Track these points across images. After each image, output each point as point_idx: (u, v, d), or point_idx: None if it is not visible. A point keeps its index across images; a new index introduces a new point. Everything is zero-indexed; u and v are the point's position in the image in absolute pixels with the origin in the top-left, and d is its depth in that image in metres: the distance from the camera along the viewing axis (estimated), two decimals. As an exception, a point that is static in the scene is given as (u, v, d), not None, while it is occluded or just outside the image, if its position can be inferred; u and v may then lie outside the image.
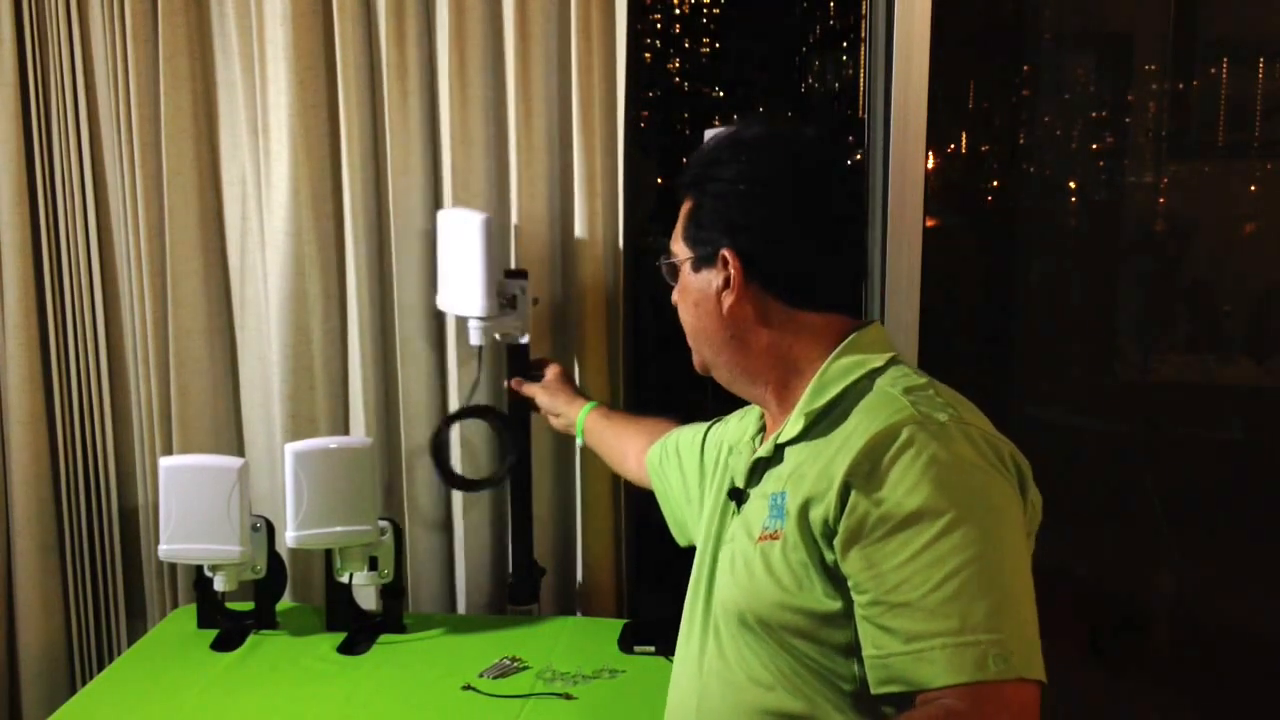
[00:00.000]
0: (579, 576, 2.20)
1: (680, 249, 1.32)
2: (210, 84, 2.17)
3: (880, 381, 1.21)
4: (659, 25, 3.01)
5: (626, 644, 1.93)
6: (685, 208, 1.31)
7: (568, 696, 1.77)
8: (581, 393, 2.02)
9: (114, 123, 2.16)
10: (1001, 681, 1.02)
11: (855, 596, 1.12)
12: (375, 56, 2.09)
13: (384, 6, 2.04)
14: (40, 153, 2.18)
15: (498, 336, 2.03)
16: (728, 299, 1.26)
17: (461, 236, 1.95)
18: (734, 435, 1.46)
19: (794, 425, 1.25)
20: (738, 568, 1.25)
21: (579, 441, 1.95)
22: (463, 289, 1.96)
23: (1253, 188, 2.56)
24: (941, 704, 1.04)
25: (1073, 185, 2.60)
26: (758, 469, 1.30)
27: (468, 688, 1.81)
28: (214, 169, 2.19)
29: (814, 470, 1.18)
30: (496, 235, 1.95)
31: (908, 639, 1.06)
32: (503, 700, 1.77)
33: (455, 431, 2.14)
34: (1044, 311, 2.61)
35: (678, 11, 3.03)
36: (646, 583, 2.26)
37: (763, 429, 1.37)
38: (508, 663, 1.88)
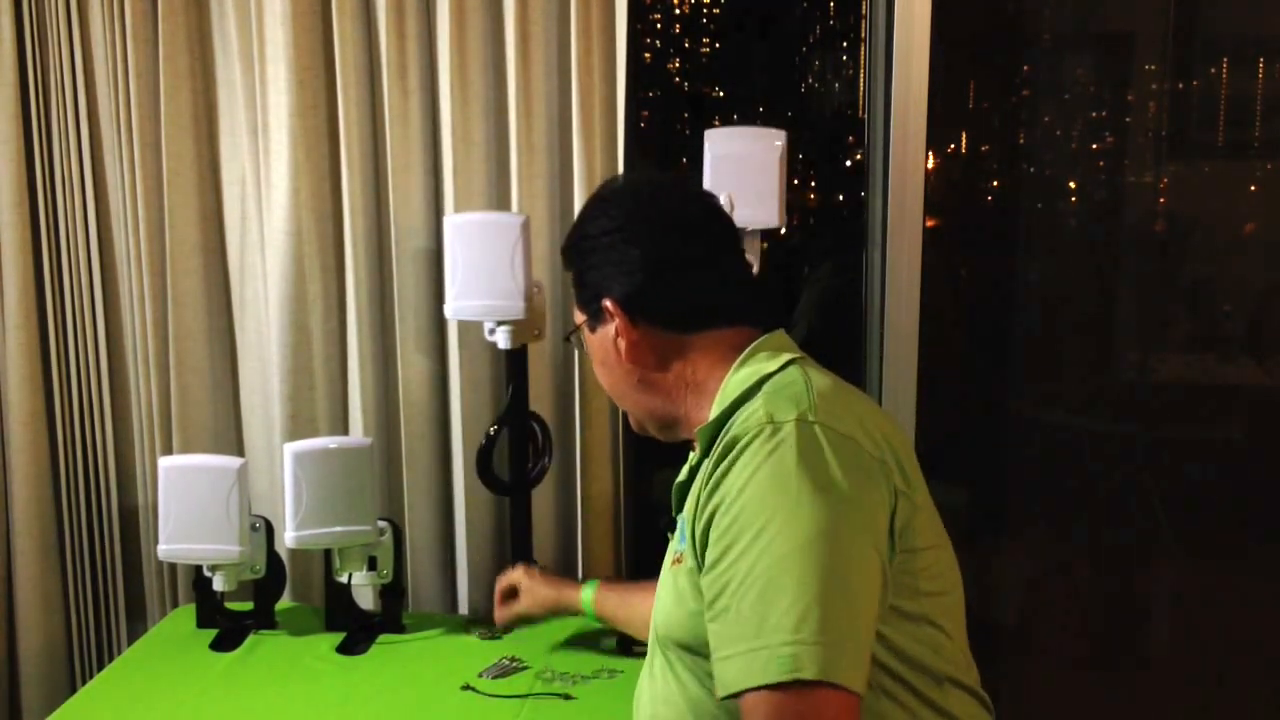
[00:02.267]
0: (579, 576, 2.20)
1: (577, 315, 1.37)
2: (210, 84, 2.17)
3: (763, 389, 1.21)
4: (659, 25, 3.01)
5: (626, 644, 1.93)
6: (572, 278, 1.37)
7: (567, 696, 1.77)
8: (558, 575, 1.97)
9: (114, 123, 2.16)
10: (798, 686, 1.01)
11: None
12: (375, 56, 2.09)
13: (384, 6, 2.04)
14: (40, 153, 2.18)
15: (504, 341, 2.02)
16: (622, 345, 1.30)
17: (498, 240, 1.94)
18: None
19: (699, 447, 1.26)
20: (661, 593, 1.28)
21: (590, 615, 1.83)
22: (495, 293, 1.94)
23: (1253, 188, 2.56)
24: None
25: (1073, 185, 2.60)
26: (680, 493, 1.31)
27: (467, 688, 1.81)
28: (214, 169, 2.19)
29: (699, 484, 1.20)
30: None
31: (718, 647, 1.08)
32: (502, 700, 1.77)
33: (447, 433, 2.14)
34: (1044, 311, 2.61)
35: (678, 11, 3.03)
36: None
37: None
38: (507, 663, 1.88)
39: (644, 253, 1.29)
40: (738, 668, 1.05)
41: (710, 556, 1.12)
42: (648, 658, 1.35)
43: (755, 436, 1.12)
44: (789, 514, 1.07)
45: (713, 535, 1.12)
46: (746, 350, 1.28)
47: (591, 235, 1.34)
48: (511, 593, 1.90)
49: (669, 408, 1.33)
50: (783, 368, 1.24)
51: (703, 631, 1.14)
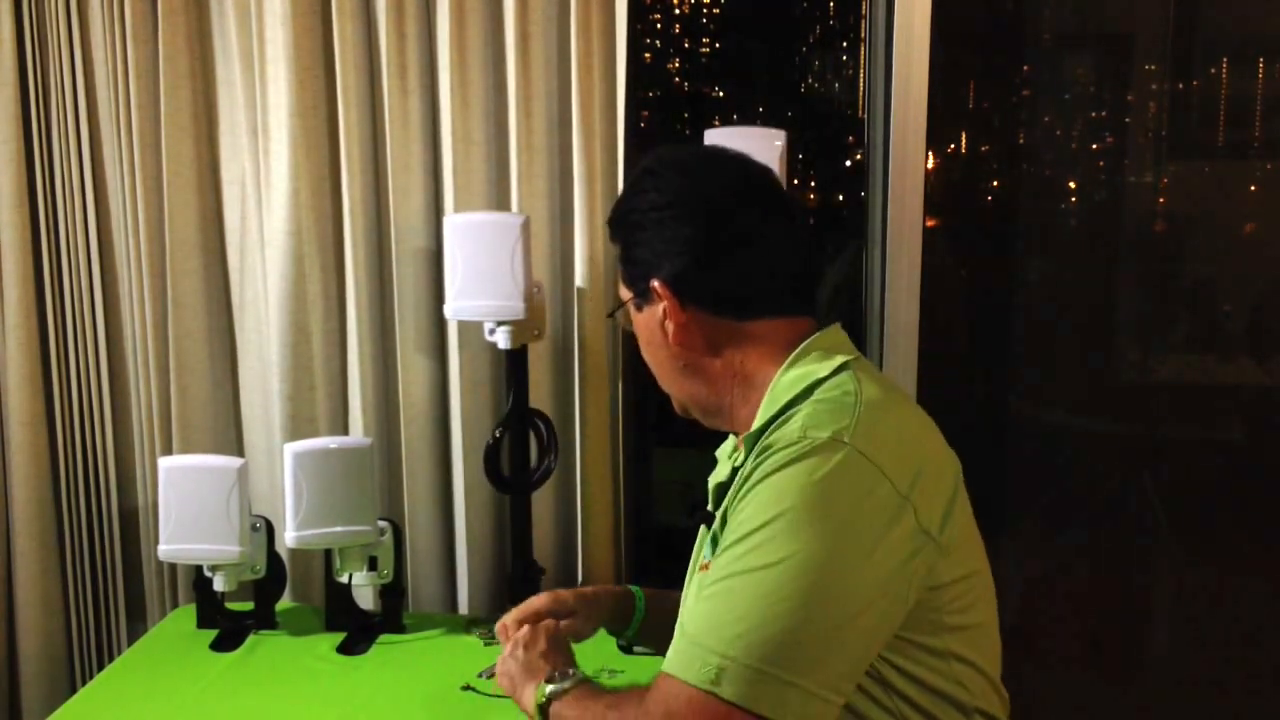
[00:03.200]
0: (579, 576, 2.20)
1: (623, 291, 1.31)
2: (210, 84, 2.17)
3: (816, 393, 1.17)
4: (659, 25, 3.01)
5: (625, 645, 1.92)
6: (617, 251, 1.32)
7: (567, 696, 1.77)
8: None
9: (114, 123, 2.16)
10: (714, 697, 1.03)
11: None
12: (375, 56, 2.09)
13: (384, 6, 2.04)
14: (40, 153, 2.18)
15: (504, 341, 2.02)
16: (670, 327, 1.24)
17: (498, 240, 1.94)
18: (720, 451, 1.43)
19: (744, 448, 1.22)
20: (688, 596, 1.27)
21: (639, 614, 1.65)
22: (495, 293, 1.94)
23: (1253, 188, 2.56)
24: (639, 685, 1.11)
25: (1073, 185, 2.60)
26: (719, 493, 1.26)
27: (467, 688, 1.81)
28: (214, 169, 2.19)
29: (735, 491, 1.17)
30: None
31: (681, 623, 1.12)
32: (502, 700, 1.77)
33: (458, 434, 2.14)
34: (1044, 311, 2.61)
35: (678, 11, 3.03)
36: (646, 583, 2.26)
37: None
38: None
39: (695, 232, 1.22)
40: (676, 651, 1.08)
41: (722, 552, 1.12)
42: None
43: (785, 447, 1.10)
44: (781, 532, 1.06)
45: (728, 537, 1.12)
46: (800, 347, 1.22)
47: (639, 210, 1.27)
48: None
49: (714, 396, 1.27)
50: (835, 372, 1.19)
51: None
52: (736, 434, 1.31)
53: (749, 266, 1.23)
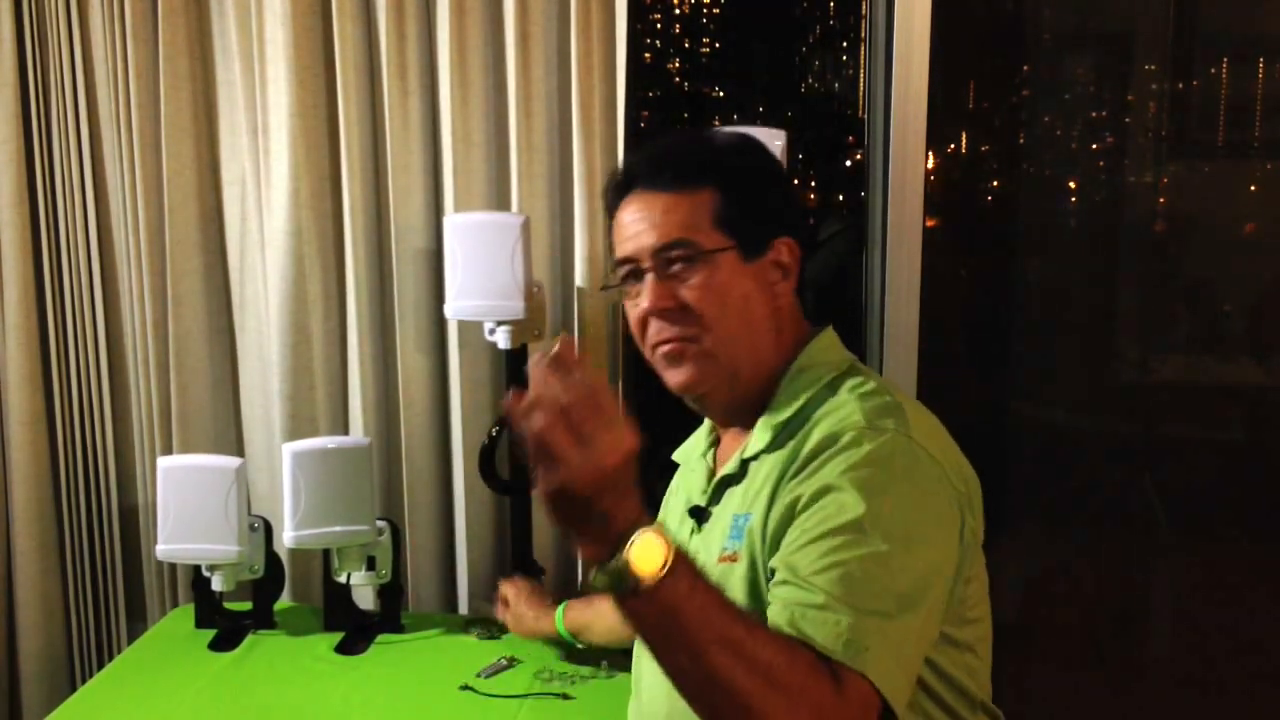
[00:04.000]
0: (579, 576, 2.20)
1: (712, 237, 1.20)
2: (210, 84, 2.17)
3: (839, 394, 1.19)
4: (659, 25, 3.01)
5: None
6: (701, 198, 1.22)
7: (565, 696, 1.77)
8: (547, 596, 1.90)
9: (114, 123, 2.16)
10: (843, 666, 0.99)
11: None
12: (375, 56, 2.09)
13: (384, 6, 2.04)
14: (40, 153, 2.18)
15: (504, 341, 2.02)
16: (785, 290, 1.23)
17: (498, 240, 1.94)
18: (684, 453, 1.43)
19: (759, 438, 1.21)
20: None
21: (565, 635, 1.79)
22: (495, 293, 1.94)
23: (1253, 188, 2.55)
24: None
25: (1073, 185, 2.60)
26: (722, 487, 1.25)
27: (466, 688, 1.81)
28: (214, 169, 2.19)
29: (770, 485, 1.16)
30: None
31: (808, 594, 1.03)
32: (501, 700, 1.77)
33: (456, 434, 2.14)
34: (1044, 312, 2.60)
35: (678, 11, 3.03)
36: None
37: (715, 442, 1.34)
38: (505, 663, 1.88)
39: (803, 209, 1.29)
40: (815, 621, 1.01)
41: (798, 534, 1.07)
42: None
43: (860, 435, 1.10)
44: (892, 509, 1.06)
45: (804, 517, 1.08)
46: (810, 345, 1.25)
47: (760, 171, 1.26)
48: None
49: (760, 374, 1.23)
50: (847, 370, 1.23)
51: None
52: (731, 420, 1.29)
53: (810, 248, 1.28)
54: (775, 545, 1.11)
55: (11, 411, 2.23)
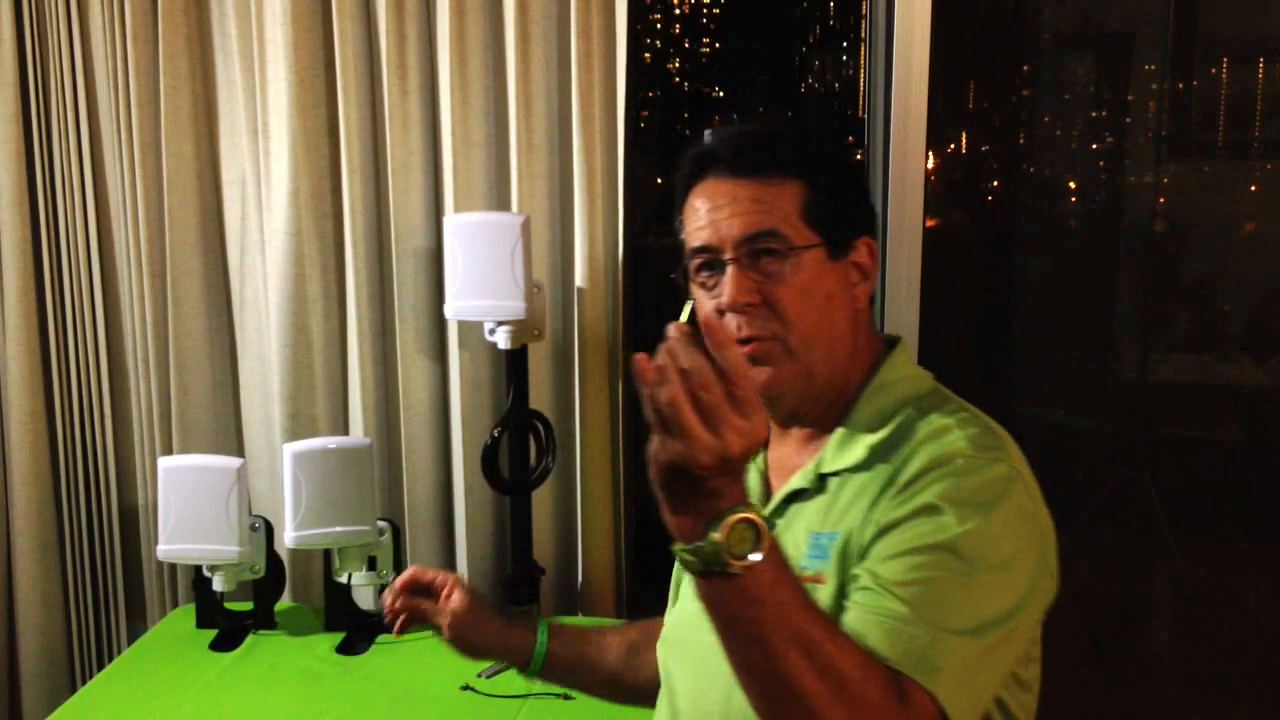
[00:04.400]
0: (579, 576, 2.20)
1: (801, 232, 1.13)
2: (210, 84, 2.17)
3: (936, 416, 1.12)
4: (659, 25, 3.01)
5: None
6: (789, 189, 1.14)
7: (566, 697, 1.77)
8: (496, 610, 1.46)
9: (114, 123, 2.16)
10: (912, 683, 0.96)
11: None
12: (375, 56, 2.09)
13: (384, 6, 2.04)
14: (40, 153, 2.18)
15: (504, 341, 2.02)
16: (863, 293, 1.18)
17: (498, 240, 1.94)
18: None
19: (843, 454, 1.14)
20: None
21: (534, 670, 1.42)
22: (495, 293, 1.94)
23: (1253, 188, 2.56)
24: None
25: (1073, 185, 2.60)
26: (790, 499, 1.17)
27: (466, 688, 1.81)
28: (214, 169, 2.19)
29: (863, 507, 1.10)
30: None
31: (891, 603, 1.00)
32: (501, 700, 1.77)
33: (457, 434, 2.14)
34: (1044, 311, 2.61)
35: (678, 11, 3.03)
36: (646, 583, 2.26)
37: (763, 445, 1.23)
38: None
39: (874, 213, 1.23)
40: (896, 635, 0.98)
41: (890, 545, 1.04)
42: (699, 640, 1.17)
43: (968, 463, 1.06)
44: (990, 536, 1.03)
45: (898, 530, 1.04)
46: (892, 356, 1.20)
47: (842, 166, 1.21)
48: (424, 591, 1.44)
49: (831, 369, 1.17)
50: (934, 390, 1.18)
51: None
52: (782, 420, 1.21)
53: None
54: (863, 549, 1.08)
55: (11, 411, 2.23)
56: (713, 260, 1.15)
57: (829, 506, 1.13)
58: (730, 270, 1.13)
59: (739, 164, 1.16)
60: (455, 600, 1.40)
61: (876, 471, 1.11)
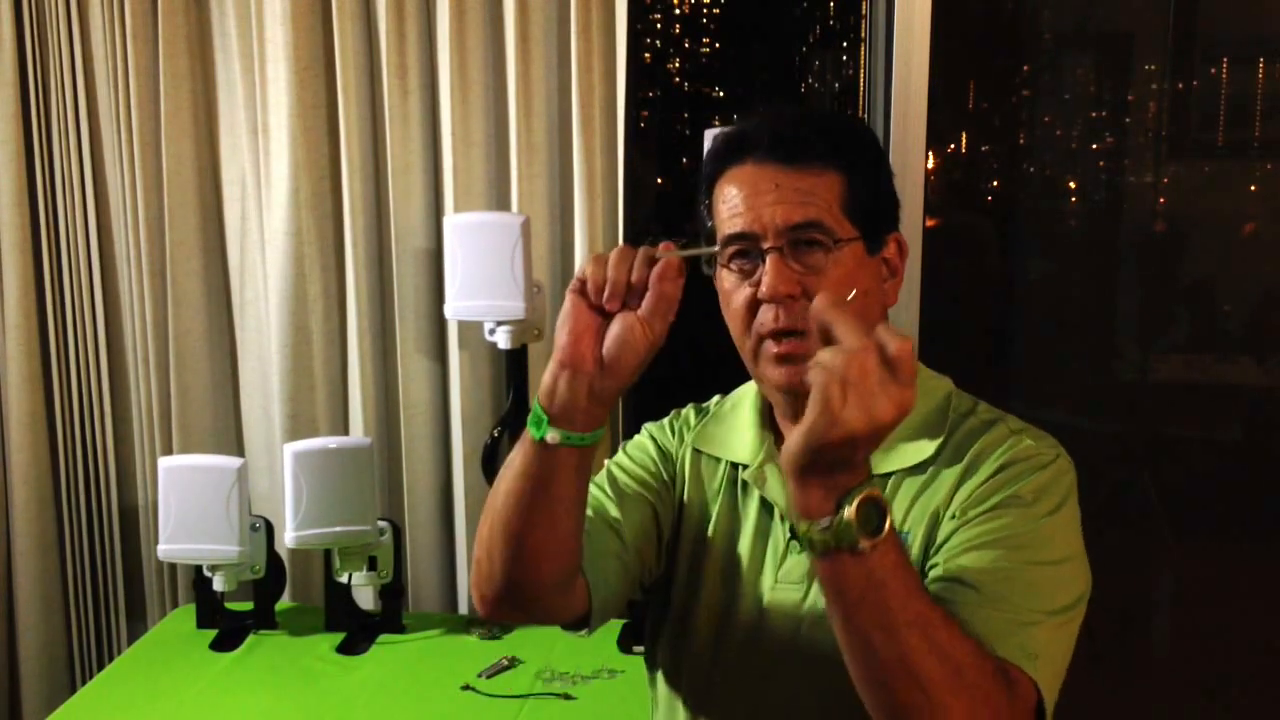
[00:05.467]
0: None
1: (843, 224, 1.10)
2: (210, 84, 2.17)
3: (983, 416, 1.17)
4: (659, 25, 3.01)
5: (625, 644, 1.93)
6: (828, 180, 1.10)
7: (567, 696, 1.77)
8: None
9: (114, 123, 2.16)
10: (1018, 670, 0.99)
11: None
12: (375, 56, 2.09)
13: (384, 6, 2.04)
14: (40, 153, 2.18)
15: (504, 341, 2.02)
16: (893, 289, 1.17)
17: (498, 240, 1.94)
18: (728, 450, 1.25)
19: (900, 455, 1.14)
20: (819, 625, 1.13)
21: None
22: (495, 293, 1.95)
23: (1253, 188, 2.55)
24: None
25: (1073, 185, 2.60)
26: None
27: (467, 688, 1.81)
28: (214, 169, 2.19)
29: (929, 511, 1.11)
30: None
31: (984, 598, 1.01)
32: (502, 700, 1.77)
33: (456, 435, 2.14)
34: (1044, 311, 2.60)
35: (678, 11, 3.03)
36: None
37: (779, 442, 1.19)
38: (506, 663, 1.88)
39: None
40: (997, 622, 1.00)
41: (972, 536, 1.06)
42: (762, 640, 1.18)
43: (1038, 459, 1.11)
44: (1064, 527, 1.08)
45: (978, 521, 1.07)
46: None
47: (876, 159, 1.17)
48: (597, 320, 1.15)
49: None
50: (957, 392, 1.21)
51: None
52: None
53: None
54: (930, 541, 1.11)
55: (11, 411, 2.23)
56: (750, 248, 1.11)
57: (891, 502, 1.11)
58: (771, 259, 1.08)
59: (782, 150, 1.11)
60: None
61: (941, 471, 1.12)
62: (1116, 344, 2.63)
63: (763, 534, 1.19)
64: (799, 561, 1.16)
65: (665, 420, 1.34)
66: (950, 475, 1.12)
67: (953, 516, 1.09)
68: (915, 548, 1.10)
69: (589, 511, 1.19)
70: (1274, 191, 2.53)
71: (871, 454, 0.89)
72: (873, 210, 1.12)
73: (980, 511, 1.07)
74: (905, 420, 1.02)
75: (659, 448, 1.30)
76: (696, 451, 1.28)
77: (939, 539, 1.09)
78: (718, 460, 1.26)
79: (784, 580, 1.17)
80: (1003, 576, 1.02)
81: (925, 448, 1.14)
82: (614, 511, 1.23)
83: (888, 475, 1.14)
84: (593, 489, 1.23)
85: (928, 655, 0.89)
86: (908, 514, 1.12)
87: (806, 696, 1.15)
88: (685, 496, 1.27)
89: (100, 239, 2.22)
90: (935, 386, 1.20)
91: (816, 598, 1.14)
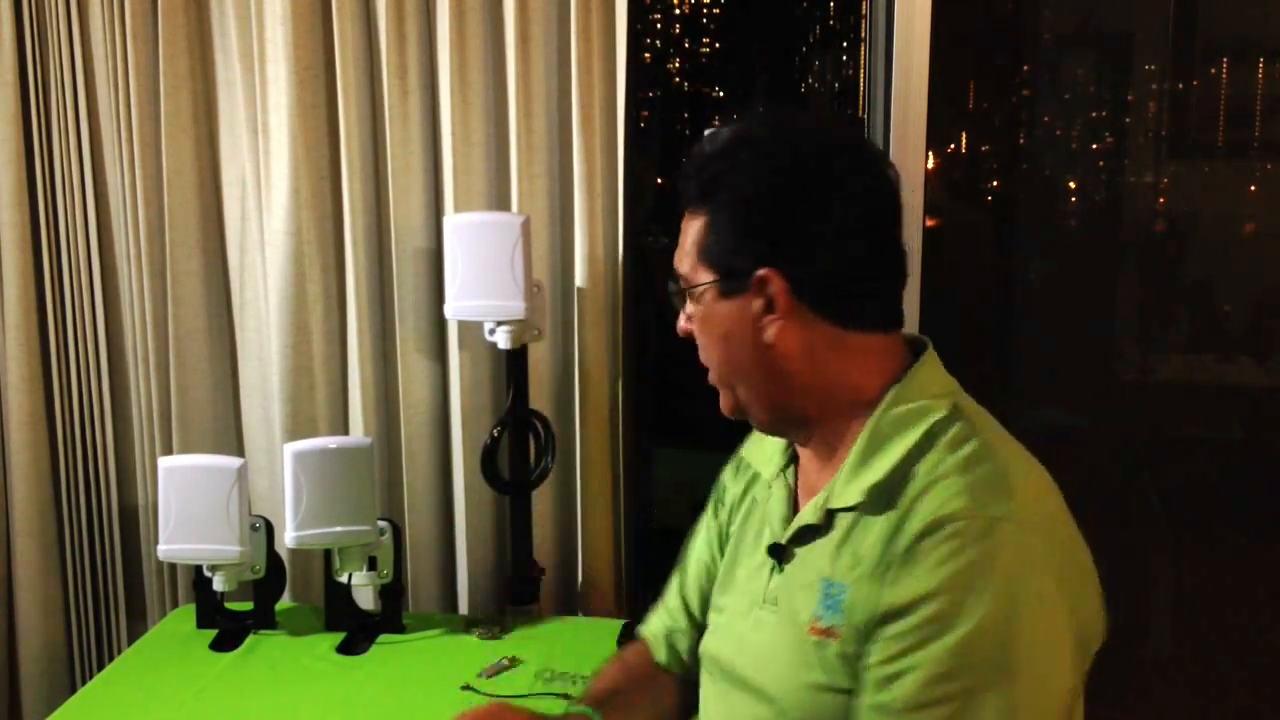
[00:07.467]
0: (579, 576, 2.20)
1: (698, 272, 1.11)
2: (210, 84, 2.17)
3: (937, 454, 1.04)
4: (659, 25, 3.01)
5: (625, 644, 1.92)
6: (696, 224, 1.11)
7: (567, 696, 1.77)
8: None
9: (114, 123, 2.16)
10: None
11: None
12: (375, 56, 2.09)
13: (384, 7, 2.04)
14: (40, 153, 2.18)
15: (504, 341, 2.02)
16: (772, 327, 1.07)
17: (498, 240, 1.94)
18: (758, 456, 1.27)
19: (847, 490, 1.07)
20: (770, 651, 1.11)
21: None
22: (495, 293, 1.94)
23: (1253, 188, 2.56)
24: None
25: (1073, 185, 2.60)
26: (803, 536, 1.12)
27: (467, 688, 1.81)
28: (214, 169, 2.19)
29: (870, 563, 1.03)
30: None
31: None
32: (502, 700, 1.77)
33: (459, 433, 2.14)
34: (1044, 311, 2.61)
35: (678, 11, 3.03)
36: (646, 583, 2.26)
37: (793, 458, 1.20)
38: (506, 663, 1.88)
39: (827, 224, 1.05)
40: None
41: (892, 650, 0.99)
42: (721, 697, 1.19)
43: (964, 528, 0.97)
44: (998, 627, 0.96)
45: (898, 626, 0.99)
46: (904, 377, 1.09)
47: (748, 187, 1.07)
48: None
49: (798, 408, 1.12)
50: (950, 416, 1.06)
51: (843, 712, 1.02)
52: (804, 448, 1.17)
53: (872, 272, 1.09)
54: (869, 636, 1.02)
55: (11, 411, 2.23)
56: None
57: (839, 547, 1.07)
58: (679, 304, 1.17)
59: (683, 194, 1.14)
60: None
61: (881, 518, 1.04)
62: (1116, 344, 2.64)
63: (756, 546, 1.20)
64: (770, 581, 1.15)
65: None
66: (889, 524, 1.03)
67: (879, 602, 1.01)
68: (848, 603, 1.04)
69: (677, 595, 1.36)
70: (1274, 191, 2.54)
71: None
72: (730, 250, 1.08)
73: (900, 605, 0.99)
74: (859, 446, 1.08)
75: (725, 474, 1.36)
76: (740, 456, 1.32)
77: (871, 616, 1.02)
78: (750, 466, 1.29)
79: (752, 594, 1.17)
80: (921, 712, 0.95)
81: (861, 489, 1.06)
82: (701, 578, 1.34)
83: (841, 510, 1.08)
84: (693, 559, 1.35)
85: None
86: (856, 565, 1.05)
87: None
88: (731, 498, 1.32)
89: (100, 239, 2.22)
90: (906, 403, 1.08)
91: (762, 619, 1.14)
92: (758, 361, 1.10)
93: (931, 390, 1.09)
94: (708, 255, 1.10)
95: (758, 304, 1.08)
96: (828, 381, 1.10)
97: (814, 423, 1.13)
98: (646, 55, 2.91)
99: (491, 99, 2.09)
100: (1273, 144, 2.46)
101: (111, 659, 2.23)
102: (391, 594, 2.02)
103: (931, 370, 1.12)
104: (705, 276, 1.10)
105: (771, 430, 1.18)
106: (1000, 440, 1.08)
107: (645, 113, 2.78)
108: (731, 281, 1.08)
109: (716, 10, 3.04)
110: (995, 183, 2.68)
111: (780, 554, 1.14)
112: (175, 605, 2.26)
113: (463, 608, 2.21)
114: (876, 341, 1.10)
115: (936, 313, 2.12)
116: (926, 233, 2.08)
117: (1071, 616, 1.00)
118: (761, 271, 1.06)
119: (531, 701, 1.76)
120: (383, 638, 1.99)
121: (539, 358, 2.11)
